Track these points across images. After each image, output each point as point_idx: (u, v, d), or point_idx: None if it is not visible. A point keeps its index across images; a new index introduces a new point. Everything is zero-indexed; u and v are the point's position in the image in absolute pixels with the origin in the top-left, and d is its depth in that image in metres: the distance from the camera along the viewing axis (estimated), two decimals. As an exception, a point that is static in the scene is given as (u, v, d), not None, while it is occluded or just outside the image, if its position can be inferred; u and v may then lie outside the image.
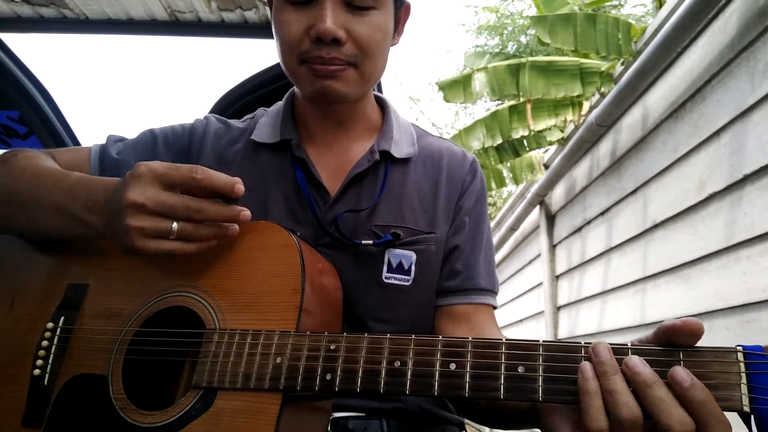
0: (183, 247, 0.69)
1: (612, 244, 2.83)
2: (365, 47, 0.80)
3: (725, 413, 0.48)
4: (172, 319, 0.74)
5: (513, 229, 4.70)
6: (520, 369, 0.55)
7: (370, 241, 0.84)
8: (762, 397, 0.47)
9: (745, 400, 0.47)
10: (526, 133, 3.36)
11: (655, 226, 2.38)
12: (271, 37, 0.86)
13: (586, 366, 0.53)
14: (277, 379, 0.64)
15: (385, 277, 0.85)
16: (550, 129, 3.33)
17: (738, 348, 0.50)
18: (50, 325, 0.78)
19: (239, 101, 1.52)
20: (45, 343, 0.78)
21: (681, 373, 0.49)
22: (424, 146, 0.96)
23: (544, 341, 0.56)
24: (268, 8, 0.88)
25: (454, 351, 0.59)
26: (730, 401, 0.48)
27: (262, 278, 0.71)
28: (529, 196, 4.05)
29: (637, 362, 0.51)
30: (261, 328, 0.68)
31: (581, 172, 3.31)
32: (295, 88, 0.96)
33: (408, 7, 0.91)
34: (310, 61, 0.80)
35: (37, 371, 0.75)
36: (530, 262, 4.49)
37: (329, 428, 0.76)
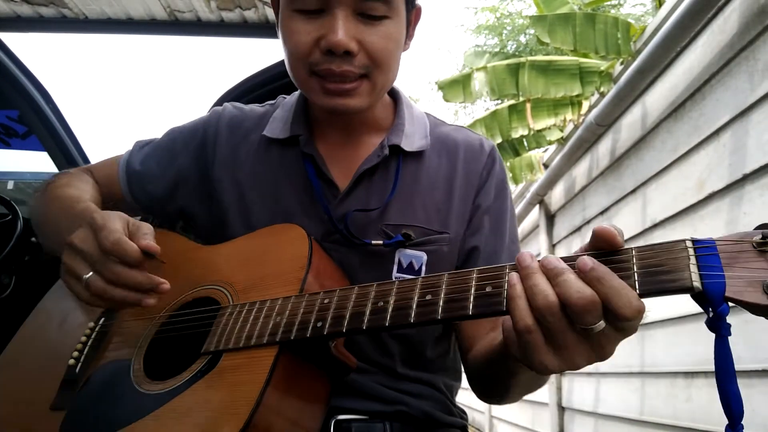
0: (90, 300, 0.70)
1: (612, 243, 2.82)
2: (378, 59, 0.78)
3: (678, 295, 0.51)
4: (197, 308, 0.80)
5: (513, 228, 4.70)
6: (488, 288, 0.59)
7: (381, 242, 0.83)
8: (711, 273, 0.50)
9: (695, 278, 0.50)
10: (525, 133, 3.36)
11: (655, 226, 2.38)
12: (271, 36, 0.86)
13: (512, 275, 0.57)
14: (275, 333, 0.67)
15: (395, 277, 0.84)
16: (549, 128, 3.33)
17: (687, 238, 0.53)
18: (91, 324, 0.87)
19: (241, 99, 1.51)
20: (83, 338, 0.85)
21: (584, 258, 0.53)
22: (439, 137, 0.94)
23: (510, 264, 0.59)
24: (267, 8, 0.88)
25: (431, 284, 0.63)
26: (681, 281, 0.50)
27: (273, 263, 0.77)
28: (528, 195, 4.05)
29: (551, 259, 0.56)
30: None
31: (581, 171, 3.31)
32: None
33: (419, 10, 0.88)
34: (320, 74, 0.78)
35: (71, 361, 0.82)
36: (530, 261, 4.49)
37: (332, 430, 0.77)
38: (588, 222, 3.19)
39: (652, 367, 2.35)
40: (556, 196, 3.77)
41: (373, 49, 0.77)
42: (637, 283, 0.52)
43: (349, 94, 0.79)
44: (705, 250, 0.51)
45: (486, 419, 5.89)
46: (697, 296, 0.51)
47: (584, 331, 0.53)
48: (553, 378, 3.57)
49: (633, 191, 2.62)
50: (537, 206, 4.05)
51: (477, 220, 0.90)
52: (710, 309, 0.51)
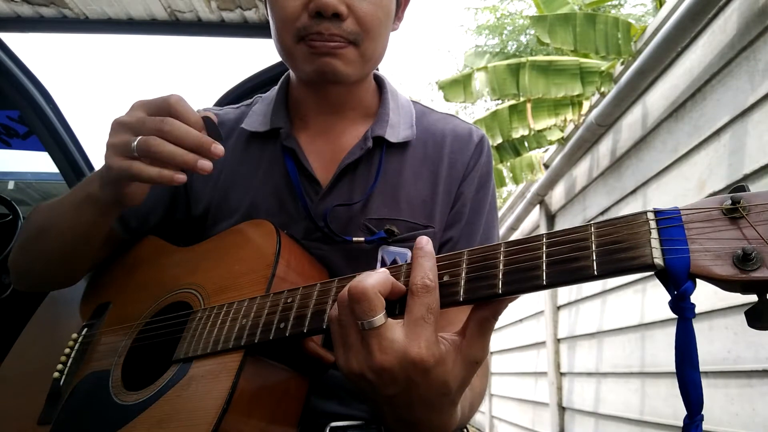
0: (141, 168, 0.66)
1: (612, 243, 2.82)
2: (367, 24, 0.77)
3: (640, 273, 0.47)
4: (172, 313, 0.79)
5: (513, 228, 4.70)
6: (446, 278, 0.55)
7: (362, 239, 0.80)
8: (674, 247, 0.45)
9: (657, 254, 0.45)
10: (526, 133, 3.37)
11: (655, 226, 2.38)
12: (271, 36, 0.84)
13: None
14: (240, 337, 0.65)
15: None
16: (550, 128, 3.33)
17: (649, 210, 0.48)
18: (74, 335, 0.86)
19: (241, 100, 1.51)
20: (67, 350, 0.84)
21: (422, 239, 0.55)
22: (426, 126, 0.91)
23: (469, 250, 0.56)
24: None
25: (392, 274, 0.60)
26: (641, 258, 0.45)
27: (243, 262, 0.75)
28: (529, 195, 4.05)
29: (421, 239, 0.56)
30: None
31: (581, 171, 3.31)
32: (290, 72, 0.92)
33: None
34: (307, 38, 0.76)
35: (56, 374, 0.81)
36: (530, 261, 4.49)
37: None
38: (588, 222, 3.19)
39: (652, 367, 2.35)
40: (557, 196, 3.77)
41: (362, 14, 0.76)
42: (594, 263, 0.47)
43: (335, 54, 0.77)
44: (668, 221, 0.46)
45: (486, 419, 5.89)
46: (660, 274, 0.46)
47: (363, 330, 0.51)
48: (553, 378, 3.57)
49: (633, 191, 2.62)
50: (537, 206, 4.05)
51: (456, 211, 0.87)
52: (674, 289, 0.46)
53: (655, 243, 0.45)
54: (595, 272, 0.47)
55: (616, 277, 0.48)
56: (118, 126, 0.68)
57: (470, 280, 0.54)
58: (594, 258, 0.48)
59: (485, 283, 0.53)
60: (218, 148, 0.67)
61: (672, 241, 0.45)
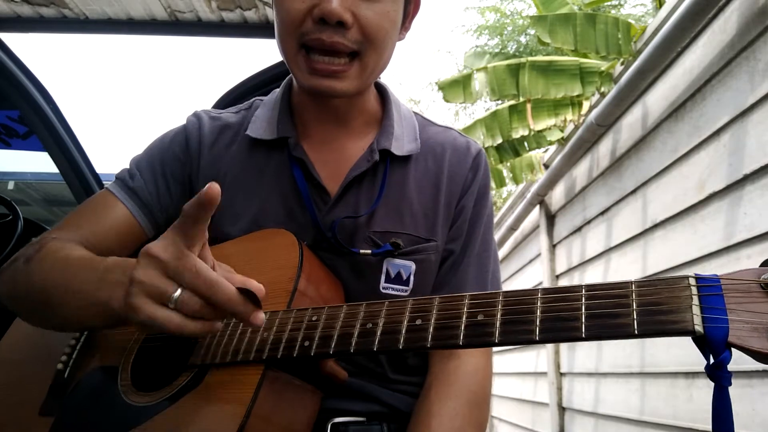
0: (179, 324, 0.57)
1: (612, 243, 2.83)
2: (371, 35, 0.75)
3: (676, 337, 0.48)
4: None
5: (513, 228, 4.70)
6: (480, 317, 0.56)
7: (369, 251, 0.81)
8: (714, 316, 0.47)
9: (697, 320, 0.47)
10: (526, 133, 3.36)
11: (655, 226, 2.38)
12: (271, 36, 0.84)
13: None
14: (262, 350, 0.66)
15: (383, 288, 0.83)
16: (550, 129, 3.33)
17: (690, 275, 0.50)
18: None
19: (241, 100, 1.51)
20: (72, 341, 0.83)
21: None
22: (427, 139, 0.91)
23: (504, 291, 0.57)
24: (267, 8, 0.87)
25: (421, 307, 0.60)
26: (682, 323, 0.47)
27: (264, 272, 0.75)
28: (529, 195, 4.05)
29: None
30: None
31: (581, 171, 3.31)
32: (292, 77, 0.91)
33: (418, 2, 0.86)
34: (309, 45, 0.74)
35: (60, 365, 0.80)
36: (530, 261, 4.49)
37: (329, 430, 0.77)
38: (588, 222, 3.18)
39: (652, 367, 2.35)
40: (557, 196, 3.77)
41: (367, 24, 0.74)
42: (635, 322, 0.49)
43: (337, 76, 0.76)
44: (709, 289, 0.48)
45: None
46: (698, 340, 0.48)
47: None
48: (553, 378, 3.57)
49: (633, 191, 2.62)
50: (537, 206, 4.05)
51: (458, 226, 0.88)
52: (710, 355, 0.47)
53: (696, 310, 0.47)
54: (636, 331, 0.49)
55: (655, 337, 0.49)
56: (152, 262, 0.57)
57: (506, 322, 0.55)
58: (635, 317, 0.49)
59: (522, 327, 0.53)
60: (260, 318, 0.59)
61: (712, 310, 0.47)
